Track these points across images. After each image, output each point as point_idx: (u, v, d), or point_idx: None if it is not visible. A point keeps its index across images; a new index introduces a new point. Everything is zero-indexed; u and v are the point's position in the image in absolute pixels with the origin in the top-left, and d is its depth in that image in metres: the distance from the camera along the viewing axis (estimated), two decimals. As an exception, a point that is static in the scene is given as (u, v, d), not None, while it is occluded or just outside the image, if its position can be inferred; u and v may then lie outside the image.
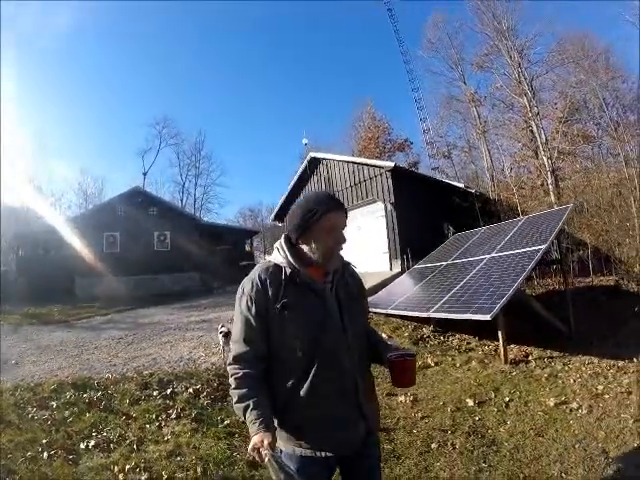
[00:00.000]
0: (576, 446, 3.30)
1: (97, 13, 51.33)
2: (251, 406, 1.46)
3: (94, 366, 6.48)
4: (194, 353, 6.95)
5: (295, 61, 71.02)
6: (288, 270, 1.59)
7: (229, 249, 25.31)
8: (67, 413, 4.46)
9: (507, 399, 4.39)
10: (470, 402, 4.38)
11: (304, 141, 22.77)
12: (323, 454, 1.56)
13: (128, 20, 56.90)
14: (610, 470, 2.94)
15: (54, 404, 4.71)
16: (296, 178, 17.84)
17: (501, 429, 3.76)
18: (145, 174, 39.71)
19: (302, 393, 1.53)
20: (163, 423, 4.17)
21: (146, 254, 19.98)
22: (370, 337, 1.81)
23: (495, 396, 4.50)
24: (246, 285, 1.63)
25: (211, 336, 7.88)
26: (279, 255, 1.65)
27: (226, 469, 3.21)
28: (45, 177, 50.15)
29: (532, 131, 17.26)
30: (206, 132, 70.14)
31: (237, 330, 1.61)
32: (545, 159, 15.80)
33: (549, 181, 14.96)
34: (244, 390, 1.51)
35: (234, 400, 1.54)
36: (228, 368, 1.60)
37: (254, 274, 1.63)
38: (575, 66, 16.10)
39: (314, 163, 16.99)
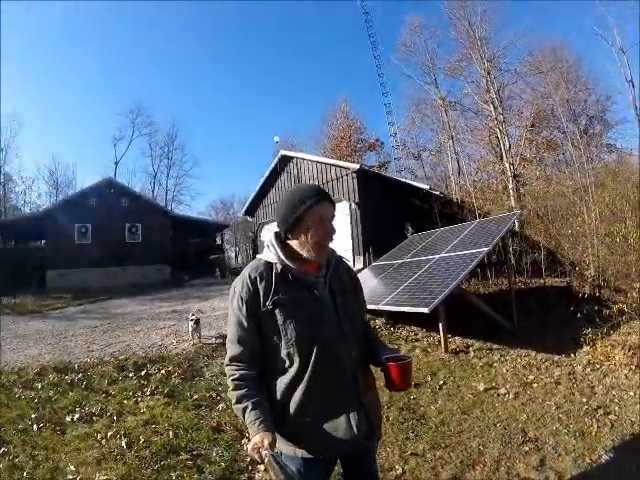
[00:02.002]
0: (497, 425, 3.68)
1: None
2: (250, 407, 1.45)
3: (73, 352, 6.90)
4: (165, 340, 7.42)
5: (272, 57, 70.92)
6: (279, 266, 1.56)
7: (200, 242, 25.59)
8: (51, 392, 4.90)
9: (441, 382, 4.86)
10: (408, 384, 4.96)
11: (275, 139, 23.36)
12: (324, 455, 1.57)
13: (107, 9, 55.78)
14: (526, 447, 3.26)
15: (39, 385, 5.14)
16: (267, 175, 18.32)
17: (432, 407, 4.21)
18: (117, 163, 39.34)
19: (300, 392, 1.52)
20: (139, 399, 4.69)
21: (117, 246, 19.99)
22: (366, 335, 1.79)
23: (431, 379, 4.98)
24: (237, 285, 1.59)
25: (181, 325, 8.33)
26: (270, 252, 1.61)
27: (194, 433, 3.78)
28: (16, 163, 48.60)
29: (497, 137, 17.98)
30: (180, 123, 69.68)
31: (231, 331, 1.58)
32: (507, 165, 16.55)
33: (510, 186, 15.65)
34: (242, 391, 1.50)
35: (233, 402, 1.53)
36: (225, 369, 1.60)
37: (245, 273, 1.60)
38: (544, 76, 16.63)
39: (284, 161, 17.49)
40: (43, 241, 19.12)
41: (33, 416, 4.24)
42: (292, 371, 1.53)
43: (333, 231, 1.63)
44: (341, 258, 1.80)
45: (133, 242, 21.04)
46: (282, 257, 1.57)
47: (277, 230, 1.65)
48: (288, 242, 1.63)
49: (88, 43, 61.90)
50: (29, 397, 4.80)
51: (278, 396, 1.54)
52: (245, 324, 1.54)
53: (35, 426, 4.03)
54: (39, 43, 56.73)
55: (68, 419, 4.20)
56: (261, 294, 1.53)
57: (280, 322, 1.52)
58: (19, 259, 19.01)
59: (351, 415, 1.55)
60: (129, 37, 63.47)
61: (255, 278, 1.56)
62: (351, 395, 1.57)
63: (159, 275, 20.37)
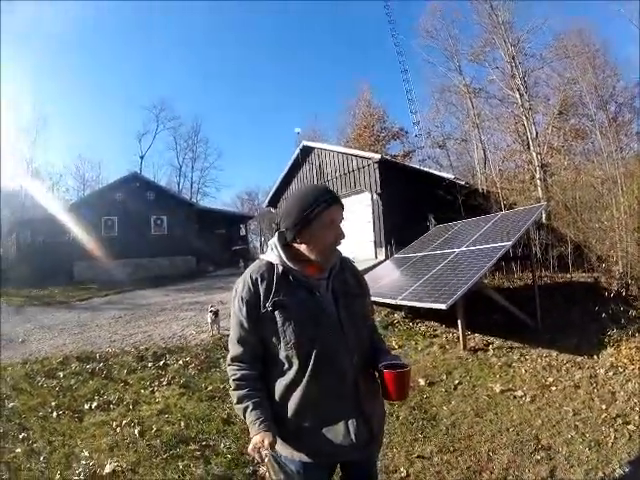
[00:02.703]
0: (510, 430, 3.53)
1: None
2: (250, 407, 1.46)
3: (95, 342, 7.10)
4: (186, 331, 7.54)
5: (294, 45, 70.18)
6: (280, 267, 1.54)
7: (224, 233, 25.88)
8: (73, 381, 5.08)
9: (457, 382, 4.71)
10: (422, 382, 4.71)
11: (297, 130, 23.25)
12: (321, 460, 1.55)
13: (128, 4, 56.33)
14: (538, 455, 3.11)
15: (61, 374, 5.32)
16: (289, 165, 18.35)
17: (444, 407, 4.08)
18: (142, 157, 40.04)
19: (298, 396, 1.50)
20: (156, 389, 4.80)
21: (143, 238, 20.45)
22: (371, 339, 1.74)
23: (446, 378, 4.85)
24: (238, 286, 1.58)
25: (202, 316, 8.37)
26: (272, 253, 1.59)
27: (204, 424, 3.83)
28: (43, 160, 49.86)
29: (524, 125, 17.41)
30: (203, 115, 70.21)
31: (233, 331, 1.58)
32: (534, 154, 15.95)
33: (537, 176, 15.07)
34: (243, 391, 1.50)
35: (234, 402, 1.53)
36: (227, 369, 1.60)
37: (246, 274, 1.59)
38: (570, 61, 15.83)
39: (306, 151, 17.47)
40: (71, 235, 19.55)
41: (53, 404, 4.39)
42: (291, 374, 1.51)
43: (342, 235, 1.60)
44: (347, 259, 1.75)
45: (159, 234, 21.46)
46: (284, 258, 1.54)
47: (281, 230, 1.61)
48: (294, 244, 1.58)
49: (120, 39, 62.57)
50: (51, 385, 4.97)
51: (277, 398, 1.53)
52: (246, 325, 1.53)
53: (55, 413, 4.18)
54: (66, 38, 57.58)
55: (86, 407, 4.34)
56: (261, 295, 1.51)
57: (279, 324, 1.49)
58: (48, 253, 19.58)
59: (350, 422, 1.51)
60: (166, 36, 64.02)
61: (256, 279, 1.54)
62: (351, 401, 1.53)
63: (184, 266, 20.73)
